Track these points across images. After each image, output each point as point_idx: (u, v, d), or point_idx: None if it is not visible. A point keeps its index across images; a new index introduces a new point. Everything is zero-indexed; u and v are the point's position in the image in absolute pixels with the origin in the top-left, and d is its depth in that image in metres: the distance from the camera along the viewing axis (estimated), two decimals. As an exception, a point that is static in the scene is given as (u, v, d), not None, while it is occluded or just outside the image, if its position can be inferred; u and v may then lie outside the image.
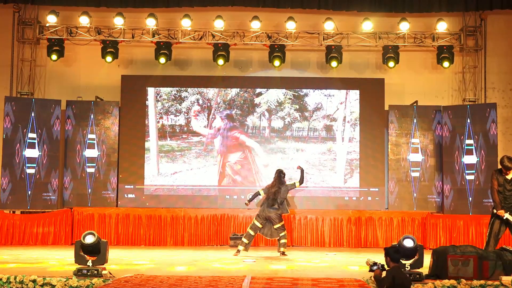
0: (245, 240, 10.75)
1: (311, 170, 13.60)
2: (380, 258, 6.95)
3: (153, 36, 13.61)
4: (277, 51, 13.53)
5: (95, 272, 7.61)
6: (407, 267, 7.64)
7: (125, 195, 13.43)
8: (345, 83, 13.81)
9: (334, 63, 13.59)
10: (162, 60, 13.55)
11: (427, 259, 8.02)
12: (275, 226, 10.77)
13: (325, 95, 13.82)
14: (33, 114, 13.24)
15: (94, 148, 13.49)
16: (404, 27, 13.41)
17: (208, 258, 10.29)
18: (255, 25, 13.45)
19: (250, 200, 11.05)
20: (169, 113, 13.79)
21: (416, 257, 7.77)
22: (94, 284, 7.15)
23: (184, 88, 13.81)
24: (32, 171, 13.15)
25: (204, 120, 13.75)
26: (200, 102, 13.79)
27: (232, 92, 13.81)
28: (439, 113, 13.56)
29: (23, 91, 13.85)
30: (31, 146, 13.18)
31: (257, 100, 13.80)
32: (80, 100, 13.73)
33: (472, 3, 13.48)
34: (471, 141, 13.15)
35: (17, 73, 13.97)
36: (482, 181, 12.89)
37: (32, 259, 10.00)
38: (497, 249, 8.34)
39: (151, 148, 13.68)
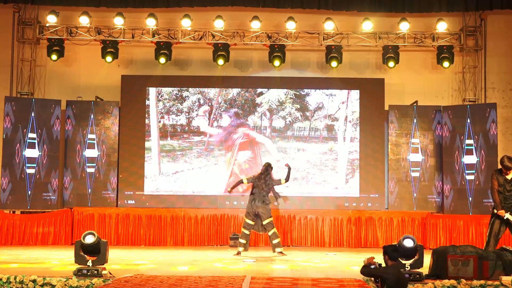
0: (242, 241, 10.75)
1: (312, 170, 13.60)
2: (380, 258, 6.96)
3: (153, 36, 13.61)
4: (277, 51, 13.53)
5: (95, 272, 7.61)
6: (407, 267, 7.64)
7: (126, 201, 13.41)
8: (345, 83, 13.81)
9: (334, 63, 13.59)
10: (162, 60, 13.55)
11: (427, 259, 8.02)
12: (264, 222, 10.72)
13: (327, 95, 13.82)
14: (33, 114, 13.24)
15: (94, 148, 13.49)
16: (404, 27, 13.41)
17: (208, 258, 10.30)
18: (255, 25, 13.45)
19: (233, 187, 11.05)
20: (171, 113, 13.80)
21: (416, 257, 7.77)
22: (94, 284, 7.15)
23: (185, 88, 13.81)
24: (32, 171, 13.15)
25: (205, 120, 13.75)
26: (201, 101, 13.79)
27: (233, 91, 13.82)
28: (439, 113, 13.56)
29: (23, 91, 13.85)
30: (31, 146, 13.18)
31: (258, 100, 13.80)
32: (80, 100, 13.73)
33: (472, 3, 13.47)
34: (471, 141, 13.15)
35: (17, 73, 13.97)
36: (482, 181, 12.89)
37: (32, 259, 10.00)
38: (497, 249, 8.34)
39: (153, 148, 13.69)
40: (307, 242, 12.96)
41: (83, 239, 7.90)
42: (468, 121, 13.23)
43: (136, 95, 13.78)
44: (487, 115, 13.11)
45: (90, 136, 13.51)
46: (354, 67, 14.15)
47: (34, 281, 7.24)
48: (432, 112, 13.60)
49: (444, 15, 13.55)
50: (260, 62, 14.14)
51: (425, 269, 7.89)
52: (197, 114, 13.75)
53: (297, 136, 13.73)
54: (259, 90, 13.82)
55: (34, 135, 13.22)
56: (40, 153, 13.22)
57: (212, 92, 13.83)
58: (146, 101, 13.77)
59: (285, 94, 13.78)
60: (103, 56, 13.57)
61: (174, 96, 13.82)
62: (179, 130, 13.77)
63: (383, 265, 6.65)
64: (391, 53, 13.51)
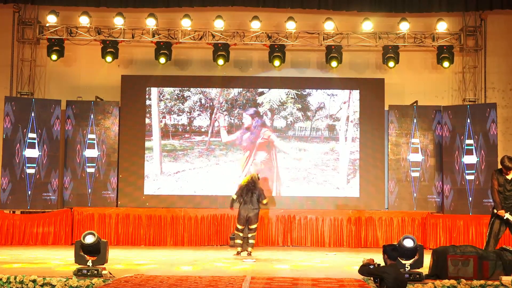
0: (239, 241, 10.80)
1: (314, 170, 13.60)
2: (380, 258, 6.96)
3: (153, 36, 13.61)
4: (277, 51, 13.53)
5: (95, 272, 7.61)
6: (407, 267, 7.64)
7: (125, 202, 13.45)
8: (345, 83, 13.81)
9: (334, 63, 13.59)
10: (162, 60, 13.55)
11: (427, 259, 8.02)
12: (252, 226, 10.78)
13: (328, 95, 13.82)
14: (33, 114, 13.24)
15: (94, 148, 13.49)
16: (404, 27, 13.41)
17: (208, 258, 10.30)
18: (255, 25, 13.45)
19: (232, 206, 11.05)
20: (172, 113, 13.80)
21: (416, 257, 7.77)
22: (94, 284, 7.15)
23: (187, 88, 13.81)
24: (32, 171, 13.15)
25: (207, 120, 13.75)
26: (203, 101, 13.79)
27: (234, 91, 13.82)
28: (439, 113, 13.56)
29: (23, 91, 13.85)
30: (31, 146, 13.18)
31: (259, 99, 13.79)
32: (80, 100, 13.73)
33: (472, 3, 13.46)
34: (471, 141, 13.15)
35: (17, 73, 13.97)
36: (482, 181, 12.89)
37: (32, 259, 10.00)
38: (497, 249, 8.34)
39: (154, 148, 13.69)
40: (307, 242, 12.95)
41: (83, 239, 7.90)
42: (468, 121, 13.23)
43: (136, 95, 13.78)
44: (487, 115, 13.10)
45: (90, 136, 13.51)
46: (354, 67, 14.15)
47: (34, 281, 7.24)
48: (432, 112, 13.59)
49: (444, 15, 13.55)
50: (260, 62, 14.14)
51: (425, 269, 7.89)
52: (198, 115, 13.74)
53: (298, 136, 13.73)
54: (260, 89, 13.82)
55: (34, 135, 13.22)
56: (40, 153, 13.22)
57: (213, 92, 13.83)
58: (148, 101, 13.77)
59: (287, 94, 13.77)
60: (103, 56, 13.57)
61: (175, 96, 13.82)
62: (180, 130, 13.77)
63: (383, 264, 6.65)
64: (391, 53, 13.51)
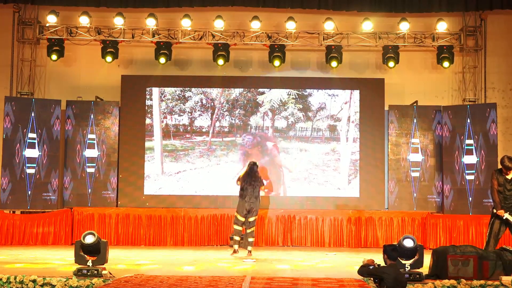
0: (236, 238, 10.68)
1: (315, 171, 13.60)
2: (380, 258, 6.97)
3: (153, 36, 13.61)
4: (277, 51, 13.53)
5: (95, 272, 7.61)
6: (407, 267, 7.64)
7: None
8: (345, 83, 13.81)
9: (334, 63, 13.58)
10: (162, 60, 13.55)
11: (427, 259, 8.02)
12: (251, 219, 10.66)
13: (329, 95, 13.82)
14: (33, 114, 13.24)
15: (94, 148, 13.49)
16: (404, 27, 13.41)
17: (208, 258, 10.29)
18: (255, 25, 13.45)
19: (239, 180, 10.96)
20: (173, 113, 13.81)
21: (416, 257, 7.77)
22: (94, 284, 7.15)
23: (188, 88, 13.81)
24: (32, 171, 13.15)
25: (208, 120, 13.75)
26: (204, 102, 13.79)
27: (236, 92, 13.82)
28: (439, 113, 13.56)
29: (23, 91, 13.85)
30: (31, 146, 13.18)
31: (260, 99, 13.79)
32: (80, 100, 13.73)
33: (472, 3, 13.46)
34: (471, 141, 13.15)
35: (17, 73, 13.97)
36: (482, 181, 12.89)
37: (32, 259, 10.00)
38: (497, 249, 8.34)
39: (155, 148, 13.70)
40: (307, 242, 12.95)
41: (83, 239, 7.90)
42: (468, 121, 13.23)
43: (136, 95, 13.78)
44: (487, 115, 13.11)
45: (90, 136, 13.51)
46: (354, 67, 14.15)
47: (34, 281, 7.24)
48: (432, 112, 13.59)
49: (444, 15, 13.55)
50: (260, 62, 14.14)
51: (425, 269, 7.89)
52: (199, 115, 13.75)
53: (299, 137, 13.73)
54: (261, 90, 13.82)
55: (34, 135, 13.22)
56: (40, 153, 13.22)
57: (214, 92, 13.83)
58: (149, 101, 13.77)
59: (288, 94, 13.77)
60: (103, 56, 13.57)
61: (176, 97, 13.83)
62: (181, 130, 13.78)
63: (383, 265, 6.66)
64: (391, 53, 13.51)
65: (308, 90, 13.79)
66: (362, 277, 7.53)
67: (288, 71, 14.04)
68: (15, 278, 7.28)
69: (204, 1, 13.56)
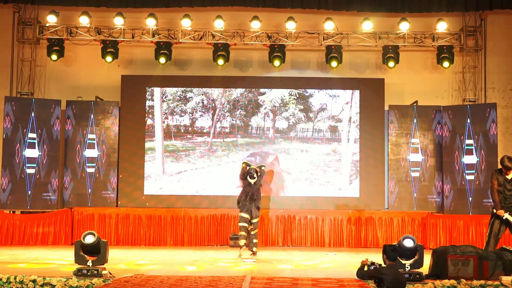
0: (243, 233, 10.49)
1: (315, 171, 13.60)
2: (380, 258, 6.97)
3: (153, 36, 13.61)
4: (277, 51, 13.53)
5: (95, 272, 7.61)
6: (407, 267, 7.64)
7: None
8: (345, 83, 13.81)
9: (334, 63, 13.58)
10: (162, 60, 13.55)
11: (427, 259, 8.02)
12: (254, 220, 10.60)
13: (330, 96, 13.81)
14: (33, 114, 13.24)
15: (94, 148, 13.49)
16: (404, 27, 13.41)
17: (208, 258, 10.29)
18: (255, 25, 13.45)
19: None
20: (174, 114, 13.81)
21: (416, 257, 7.76)
22: (94, 284, 7.15)
23: (189, 89, 13.81)
24: (32, 171, 13.15)
25: (209, 121, 13.75)
26: (205, 102, 13.79)
27: (236, 92, 13.81)
28: (439, 113, 13.56)
29: (23, 91, 13.85)
30: (31, 146, 13.18)
31: (261, 98, 13.79)
32: (80, 100, 13.73)
33: (472, 3, 13.46)
34: (471, 141, 13.15)
35: (17, 73, 13.97)
36: (482, 181, 12.89)
37: (32, 259, 10.00)
38: (497, 249, 8.34)
39: (157, 148, 13.69)
40: (307, 242, 12.95)
41: (83, 239, 7.90)
42: (468, 121, 13.23)
43: (136, 95, 13.78)
44: (487, 115, 13.11)
45: (90, 136, 13.51)
46: (354, 67, 14.15)
47: (34, 281, 7.23)
48: (432, 112, 13.59)
49: (444, 15, 13.55)
50: (260, 62, 14.14)
51: (425, 269, 7.89)
52: (200, 116, 13.75)
53: (300, 137, 13.73)
54: (262, 90, 13.81)
55: (34, 135, 13.22)
56: (40, 153, 13.22)
57: (215, 93, 13.83)
58: (150, 102, 13.77)
59: (289, 94, 13.76)
60: (103, 56, 13.57)
61: (178, 97, 13.83)
62: (182, 130, 13.78)
63: (383, 265, 6.66)
64: (391, 53, 13.51)
65: (309, 91, 13.79)
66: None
67: (288, 71, 14.04)
68: (15, 278, 7.28)
69: (204, 1, 13.57)
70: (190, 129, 13.78)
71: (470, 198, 13.03)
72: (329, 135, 13.72)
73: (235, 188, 11.43)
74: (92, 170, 13.43)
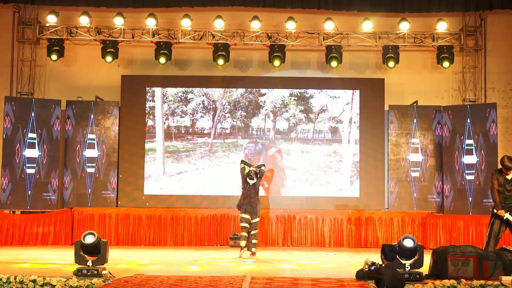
0: (244, 234, 10.45)
1: (316, 172, 13.60)
2: (379, 258, 6.97)
3: (153, 36, 13.61)
4: (277, 51, 13.53)
5: (95, 272, 7.61)
6: (407, 267, 7.64)
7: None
8: (345, 83, 13.81)
9: (334, 63, 13.59)
10: (162, 60, 13.56)
11: (427, 259, 8.02)
12: (254, 220, 10.55)
13: (331, 97, 13.81)
14: (33, 114, 13.24)
15: (94, 148, 13.49)
16: (404, 27, 13.41)
17: (208, 258, 10.29)
18: (255, 25, 13.45)
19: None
20: (175, 115, 13.80)
21: (416, 257, 7.77)
22: (94, 284, 7.15)
23: (190, 90, 13.81)
24: (32, 171, 13.15)
25: (209, 122, 13.74)
26: (206, 103, 13.79)
27: (237, 93, 13.81)
28: (439, 113, 13.56)
29: (23, 91, 13.85)
30: (31, 146, 13.18)
31: (262, 99, 13.78)
32: (80, 100, 13.73)
33: (472, 3, 13.46)
34: (471, 141, 13.15)
35: (17, 73, 13.97)
36: (482, 181, 12.89)
37: (32, 259, 10.00)
38: (497, 249, 8.34)
39: (157, 149, 13.70)
40: (307, 242, 12.95)
41: (83, 239, 7.90)
42: (468, 121, 13.23)
43: (136, 95, 13.78)
44: (487, 115, 13.11)
45: (90, 136, 13.52)
46: (354, 67, 14.15)
47: (34, 281, 7.23)
48: (432, 112, 13.60)
49: (444, 15, 13.55)
50: (260, 62, 14.14)
51: (425, 269, 7.89)
52: (201, 116, 13.75)
53: (301, 138, 13.72)
54: (262, 91, 13.81)
55: (34, 135, 13.22)
56: (40, 153, 13.22)
57: (216, 94, 13.83)
58: (151, 102, 13.77)
59: (290, 95, 13.76)
60: (103, 56, 13.58)
61: (178, 98, 13.83)
62: (183, 131, 13.78)
63: (383, 265, 6.66)
64: (391, 53, 13.51)
65: (309, 92, 13.79)
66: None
67: (288, 71, 14.04)
68: (15, 278, 7.27)
69: (204, 1, 13.57)
70: (190, 130, 13.78)
71: (470, 198, 13.04)
72: (330, 136, 13.71)
73: (236, 188, 11.40)
74: (92, 170, 13.43)
